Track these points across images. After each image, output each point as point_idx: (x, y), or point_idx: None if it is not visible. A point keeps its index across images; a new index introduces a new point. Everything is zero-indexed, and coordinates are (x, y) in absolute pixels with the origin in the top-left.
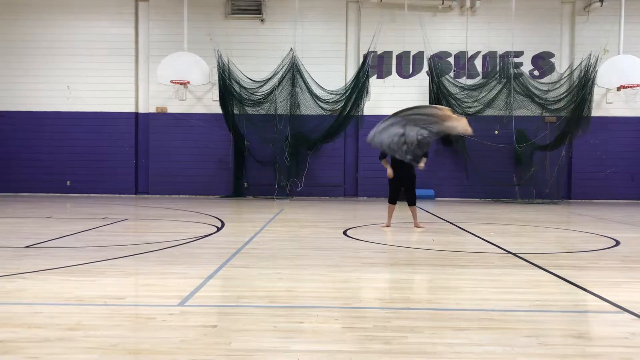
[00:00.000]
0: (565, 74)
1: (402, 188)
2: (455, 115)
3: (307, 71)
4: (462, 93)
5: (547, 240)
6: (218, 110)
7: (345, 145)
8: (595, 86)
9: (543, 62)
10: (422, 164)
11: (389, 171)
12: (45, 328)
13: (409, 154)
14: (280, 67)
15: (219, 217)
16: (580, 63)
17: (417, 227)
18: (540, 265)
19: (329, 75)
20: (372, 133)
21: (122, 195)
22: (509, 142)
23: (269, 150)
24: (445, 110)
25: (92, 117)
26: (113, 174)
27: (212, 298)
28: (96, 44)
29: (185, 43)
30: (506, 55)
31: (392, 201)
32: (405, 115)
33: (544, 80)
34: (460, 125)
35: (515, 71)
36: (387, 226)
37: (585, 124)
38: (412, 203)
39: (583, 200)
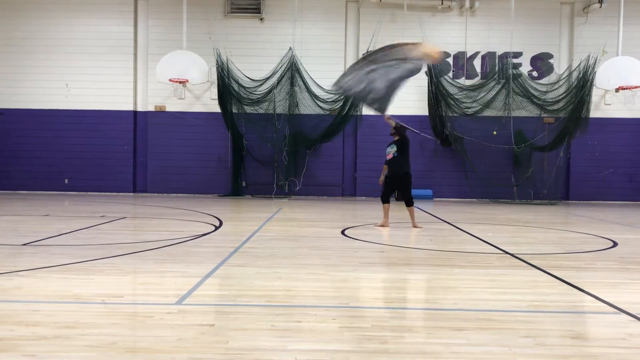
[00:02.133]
0: (564, 75)
1: (396, 189)
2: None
3: (306, 70)
4: (460, 93)
5: (545, 241)
6: (217, 109)
7: (344, 145)
8: (594, 87)
9: (542, 63)
10: (387, 114)
11: (382, 178)
12: (42, 326)
13: (374, 103)
14: (279, 66)
15: (217, 216)
16: (579, 64)
17: (415, 227)
18: (538, 265)
19: (328, 75)
20: (340, 76)
21: (120, 193)
22: (507, 142)
23: (268, 150)
24: (411, 45)
25: (91, 115)
26: (111, 172)
27: (210, 297)
28: (95, 42)
29: (184, 41)
30: (505, 55)
31: (385, 200)
32: (373, 60)
33: (543, 81)
34: (426, 49)
35: (514, 72)
36: (384, 226)
37: (583, 125)
38: (409, 204)
39: (581, 201)
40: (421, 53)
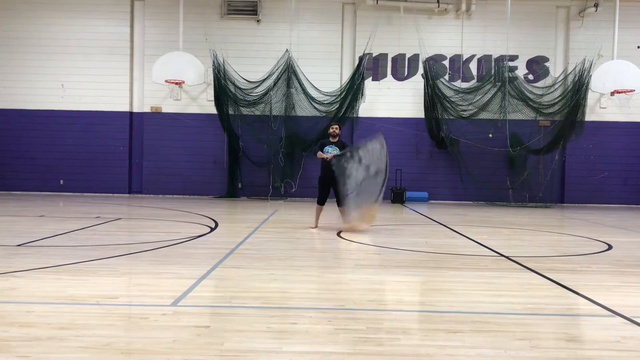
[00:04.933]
0: (560, 79)
1: (330, 188)
2: (367, 219)
3: (302, 72)
4: (456, 96)
5: (540, 244)
6: (213, 110)
7: None
8: (589, 91)
9: (538, 66)
10: (328, 156)
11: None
12: (36, 327)
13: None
14: (276, 68)
15: (213, 218)
16: (575, 67)
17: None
18: (533, 268)
19: (324, 77)
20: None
21: (115, 194)
22: (503, 145)
23: (264, 151)
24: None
25: (87, 116)
26: (107, 173)
27: (205, 298)
28: (91, 43)
29: (180, 43)
30: (501, 58)
31: (321, 202)
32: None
33: (539, 84)
34: (359, 223)
35: (510, 75)
36: (315, 227)
37: (578, 129)
38: (341, 204)
39: (576, 204)
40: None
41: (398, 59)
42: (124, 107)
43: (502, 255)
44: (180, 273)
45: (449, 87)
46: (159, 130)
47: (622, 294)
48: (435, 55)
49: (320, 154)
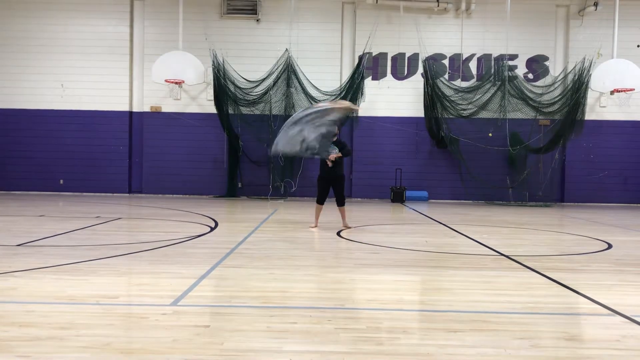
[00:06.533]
0: (560, 77)
1: (330, 188)
2: (337, 103)
3: (302, 72)
4: (456, 95)
5: (540, 243)
6: (213, 109)
7: None
8: (589, 90)
9: (537, 65)
10: (332, 157)
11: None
12: (36, 327)
13: (315, 154)
14: (276, 67)
15: (213, 217)
16: (575, 66)
17: (346, 227)
18: (532, 267)
19: (324, 76)
20: (274, 144)
21: (115, 194)
22: (502, 144)
23: (264, 151)
24: (329, 103)
25: (86, 116)
26: (106, 173)
27: (205, 298)
28: (91, 42)
29: (180, 42)
30: (501, 58)
31: (320, 201)
32: (299, 121)
33: (538, 83)
34: (344, 104)
35: (510, 74)
36: (315, 227)
37: (578, 127)
38: (341, 204)
39: (576, 203)
40: (337, 107)
41: (398, 58)
42: (124, 107)
43: (502, 254)
44: (180, 273)
45: (448, 86)
46: (158, 130)
47: (622, 293)
48: (435, 54)
49: None
